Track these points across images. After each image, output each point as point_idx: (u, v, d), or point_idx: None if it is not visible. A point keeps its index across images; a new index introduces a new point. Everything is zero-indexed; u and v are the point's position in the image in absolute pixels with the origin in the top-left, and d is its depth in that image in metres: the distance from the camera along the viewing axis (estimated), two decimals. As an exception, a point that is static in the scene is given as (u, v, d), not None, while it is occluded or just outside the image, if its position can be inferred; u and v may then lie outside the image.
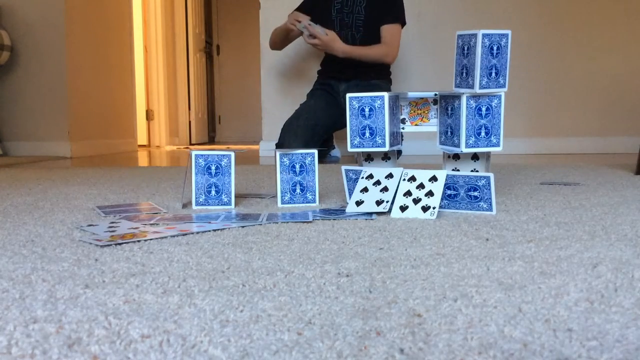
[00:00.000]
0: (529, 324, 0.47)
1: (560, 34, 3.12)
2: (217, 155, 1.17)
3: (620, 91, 3.12)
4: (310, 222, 0.98)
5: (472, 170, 1.12)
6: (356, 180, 1.15)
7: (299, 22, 2.41)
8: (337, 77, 2.62)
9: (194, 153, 1.17)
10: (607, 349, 0.42)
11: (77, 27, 3.27)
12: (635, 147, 2.24)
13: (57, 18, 3.13)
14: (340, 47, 2.44)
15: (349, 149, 1.13)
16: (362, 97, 1.11)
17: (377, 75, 2.61)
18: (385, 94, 1.10)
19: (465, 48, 1.07)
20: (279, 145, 2.48)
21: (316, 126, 2.50)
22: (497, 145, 1.08)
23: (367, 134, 1.11)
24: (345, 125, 2.25)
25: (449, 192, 1.08)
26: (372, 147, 1.11)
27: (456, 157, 1.14)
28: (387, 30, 2.54)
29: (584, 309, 0.51)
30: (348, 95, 1.12)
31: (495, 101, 1.07)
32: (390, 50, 2.54)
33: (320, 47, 2.45)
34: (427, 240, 0.82)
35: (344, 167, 1.19)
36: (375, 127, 1.10)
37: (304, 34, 2.42)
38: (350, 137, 1.12)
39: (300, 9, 2.61)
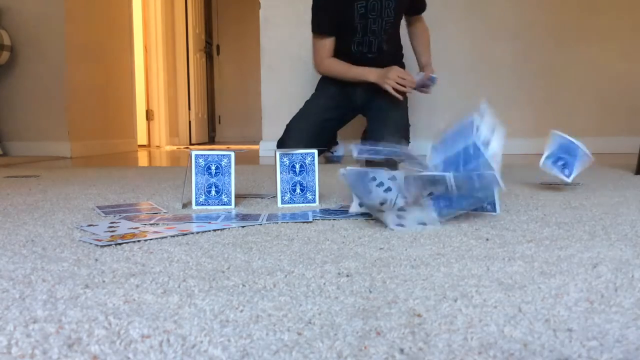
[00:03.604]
0: (529, 324, 0.47)
1: (560, 33, 3.12)
2: (217, 155, 1.17)
3: (620, 91, 3.12)
4: (310, 222, 0.98)
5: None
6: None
7: (402, 84, 2.21)
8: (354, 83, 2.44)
9: (194, 153, 1.17)
10: (607, 349, 0.42)
11: (77, 27, 3.27)
12: (635, 147, 2.24)
13: (57, 18, 3.13)
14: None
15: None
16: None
17: None
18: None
19: None
20: (280, 144, 2.41)
21: (323, 129, 2.42)
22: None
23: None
24: (352, 118, 2.24)
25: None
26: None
27: None
28: (422, 19, 2.58)
29: (584, 309, 0.51)
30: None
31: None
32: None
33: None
34: (427, 240, 0.82)
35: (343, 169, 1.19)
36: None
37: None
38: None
39: (323, 23, 2.34)
